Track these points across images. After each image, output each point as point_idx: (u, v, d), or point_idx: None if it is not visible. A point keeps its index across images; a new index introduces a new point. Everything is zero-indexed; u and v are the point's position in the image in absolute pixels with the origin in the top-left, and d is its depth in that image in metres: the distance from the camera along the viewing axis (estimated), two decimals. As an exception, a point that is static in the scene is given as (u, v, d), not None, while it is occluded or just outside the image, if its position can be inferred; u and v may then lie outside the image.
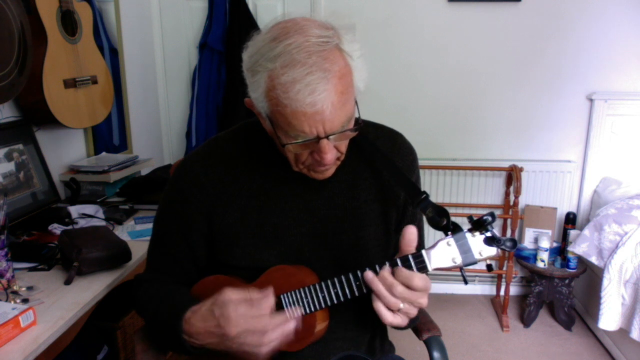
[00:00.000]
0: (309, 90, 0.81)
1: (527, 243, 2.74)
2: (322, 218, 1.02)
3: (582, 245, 2.39)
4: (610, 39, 2.67)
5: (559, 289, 2.61)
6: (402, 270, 0.86)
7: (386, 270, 0.87)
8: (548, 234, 2.67)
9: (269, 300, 0.88)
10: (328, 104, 0.82)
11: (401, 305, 0.86)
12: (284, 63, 0.82)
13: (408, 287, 0.85)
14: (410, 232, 0.89)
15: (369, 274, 0.88)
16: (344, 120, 0.86)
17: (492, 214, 0.87)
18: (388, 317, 0.87)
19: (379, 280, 0.86)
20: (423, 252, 0.89)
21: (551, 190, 2.81)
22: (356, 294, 0.93)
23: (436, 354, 1.21)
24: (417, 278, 0.85)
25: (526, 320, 2.68)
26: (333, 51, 0.85)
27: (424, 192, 0.96)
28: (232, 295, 0.88)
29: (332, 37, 0.86)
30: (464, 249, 0.88)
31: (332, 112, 0.83)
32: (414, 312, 0.88)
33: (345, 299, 0.94)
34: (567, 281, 2.59)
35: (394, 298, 0.86)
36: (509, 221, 2.74)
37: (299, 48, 0.82)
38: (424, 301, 0.87)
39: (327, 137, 0.86)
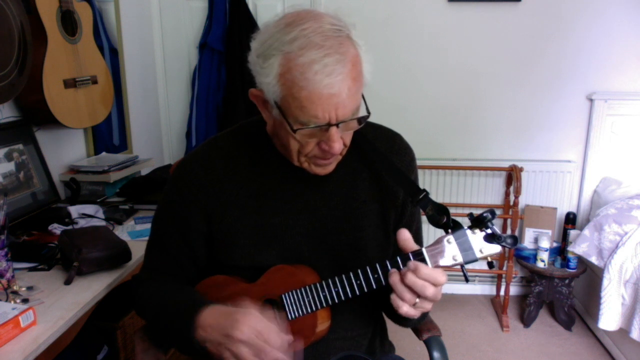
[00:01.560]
0: (327, 71, 0.82)
1: (527, 243, 2.74)
2: (321, 218, 1.02)
3: (582, 245, 2.39)
4: (610, 39, 2.67)
5: (559, 289, 2.61)
6: (425, 268, 0.85)
7: (410, 271, 0.85)
8: (548, 234, 2.67)
9: (283, 336, 0.87)
10: (344, 88, 0.83)
11: (417, 300, 0.86)
12: (301, 45, 0.83)
13: (434, 284, 0.85)
14: (403, 236, 0.89)
15: (393, 276, 0.86)
16: (354, 108, 0.87)
17: (491, 211, 0.87)
18: (403, 307, 0.86)
19: (402, 284, 0.86)
20: (423, 250, 0.89)
21: (551, 190, 2.81)
22: (357, 293, 0.93)
23: (436, 354, 1.21)
24: (442, 276, 0.85)
25: (526, 320, 2.68)
26: (346, 39, 0.86)
27: (424, 190, 0.97)
28: (255, 310, 0.88)
29: (344, 27, 0.87)
30: (465, 247, 0.88)
31: (347, 97, 0.84)
32: (428, 306, 0.88)
33: (346, 297, 0.94)
34: (567, 281, 2.59)
35: (411, 294, 0.85)
36: (509, 221, 2.74)
37: (315, 32, 0.83)
38: (439, 296, 0.87)
39: (337, 124, 0.86)
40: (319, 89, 0.82)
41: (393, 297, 0.87)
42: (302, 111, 0.85)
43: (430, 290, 0.84)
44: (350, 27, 0.89)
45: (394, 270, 0.88)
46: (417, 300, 0.86)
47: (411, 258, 0.89)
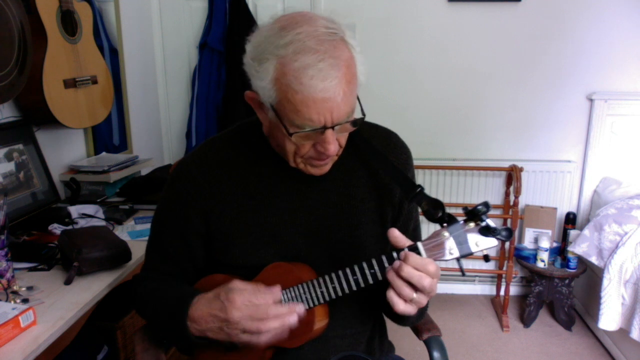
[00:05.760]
0: (322, 76, 0.82)
1: (527, 243, 2.74)
2: (318, 216, 1.03)
3: (582, 245, 2.39)
4: (610, 39, 2.67)
5: (559, 289, 2.61)
6: (415, 257, 0.86)
7: (399, 262, 0.86)
8: (548, 234, 2.67)
9: (276, 293, 0.91)
10: (339, 91, 0.84)
11: (414, 296, 0.86)
12: (296, 50, 0.83)
13: (425, 273, 0.85)
14: (393, 234, 0.89)
15: (390, 272, 0.87)
16: (349, 110, 0.88)
17: (485, 204, 0.87)
18: (400, 305, 0.86)
19: (393, 272, 0.86)
20: (419, 244, 0.89)
21: (551, 190, 2.81)
22: (354, 288, 0.93)
23: (436, 354, 1.21)
24: (431, 264, 0.86)
25: (526, 320, 2.68)
26: (340, 42, 0.87)
27: (419, 186, 0.97)
28: (239, 284, 0.91)
29: (338, 29, 0.88)
30: (460, 240, 0.89)
31: (342, 100, 0.85)
32: (424, 301, 0.88)
33: (344, 293, 0.94)
34: (567, 281, 2.59)
35: (409, 288, 0.85)
36: (509, 221, 2.74)
37: (309, 36, 0.84)
38: (435, 289, 0.87)
39: (332, 127, 0.87)
40: (313, 93, 0.83)
41: (390, 295, 0.87)
42: (298, 115, 0.86)
43: (426, 281, 0.85)
44: (344, 28, 0.89)
45: (390, 267, 0.88)
46: (415, 295, 0.86)
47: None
